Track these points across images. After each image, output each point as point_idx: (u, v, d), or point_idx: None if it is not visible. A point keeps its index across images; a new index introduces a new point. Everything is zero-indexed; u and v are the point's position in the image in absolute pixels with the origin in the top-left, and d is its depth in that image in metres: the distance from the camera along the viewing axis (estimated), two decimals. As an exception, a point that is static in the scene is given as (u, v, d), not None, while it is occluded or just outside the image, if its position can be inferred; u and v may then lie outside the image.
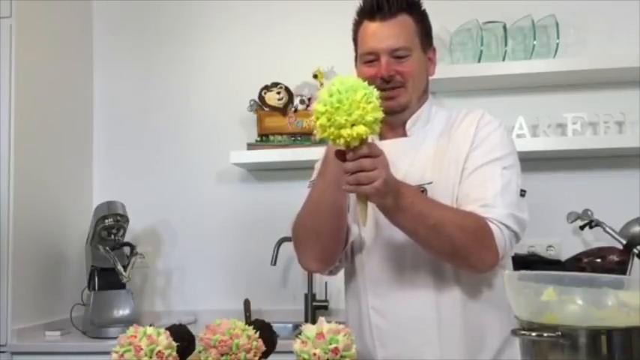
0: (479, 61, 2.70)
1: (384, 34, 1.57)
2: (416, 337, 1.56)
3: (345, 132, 1.29)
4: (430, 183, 1.55)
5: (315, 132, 1.33)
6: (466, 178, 1.54)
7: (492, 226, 1.48)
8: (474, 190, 1.52)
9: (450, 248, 1.46)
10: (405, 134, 1.63)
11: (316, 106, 1.30)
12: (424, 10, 1.64)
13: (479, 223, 1.47)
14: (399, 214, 1.43)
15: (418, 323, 1.56)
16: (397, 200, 1.40)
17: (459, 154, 1.56)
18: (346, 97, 1.28)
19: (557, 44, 2.66)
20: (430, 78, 1.68)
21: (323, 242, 1.59)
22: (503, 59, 2.69)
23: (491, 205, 1.49)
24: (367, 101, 1.29)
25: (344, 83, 1.30)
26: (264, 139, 2.84)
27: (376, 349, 1.59)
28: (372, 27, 1.58)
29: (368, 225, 1.49)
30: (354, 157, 1.33)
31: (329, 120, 1.28)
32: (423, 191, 1.55)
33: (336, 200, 1.53)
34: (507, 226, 1.49)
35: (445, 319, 1.55)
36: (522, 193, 1.55)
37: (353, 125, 1.29)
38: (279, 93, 2.83)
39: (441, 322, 1.55)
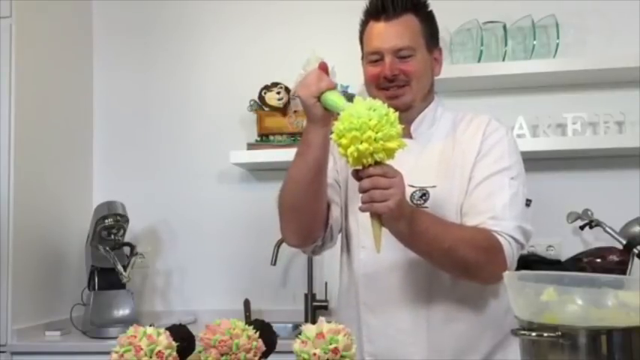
0: (479, 61, 2.70)
1: (389, 34, 1.57)
2: (404, 335, 1.56)
3: (394, 144, 1.29)
4: (434, 187, 1.56)
5: (350, 151, 1.29)
6: (474, 189, 1.55)
7: (501, 239, 1.49)
8: (482, 202, 1.53)
9: (463, 267, 1.48)
10: (409, 134, 1.61)
11: (362, 121, 1.27)
12: (430, 11, 1.64)
13: (490, 240, 1.48)
14: (414, 239, 1.45)
15: (407, 322, 1.56)
16: (412, 225, 1.41)
17: (465, 162, 1.57)
18: (389, 110, 1.29)
19: (557, 44, 2.66)
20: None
21: (301, 219, 1.63)
22: (503, 59, 2.69)
23: (500, 217, 1.50)
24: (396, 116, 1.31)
25: (374, 101, 1.30)
26: (264, 139, 2.84)
27: (363, 345, 1.60)
28: (377, 27, 1.59)
29: (365, 222, 1.48)
30: (370, 174, 1.33)
31: (377, 132, 1.27)
32: (425, 194, 1.55)
33: (314, 180, 1.56)
34: (515, 239, 1.51)
35: (436, 319, 1.56)
36: (528, 202, 1.56)
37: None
38: (279, 93, 2.83)
39: (430, 323, 1.55)
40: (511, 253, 1.50)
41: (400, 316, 1.57)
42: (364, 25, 1.64)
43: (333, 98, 1.44)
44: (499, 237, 1.49)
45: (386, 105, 1.31)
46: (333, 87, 1.47)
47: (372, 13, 1.60)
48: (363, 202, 1.35)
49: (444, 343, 1.55)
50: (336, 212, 1.67)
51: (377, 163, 1.32)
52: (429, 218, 1.47)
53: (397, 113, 1.31)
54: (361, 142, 1.28)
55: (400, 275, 1.57)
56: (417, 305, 1.56)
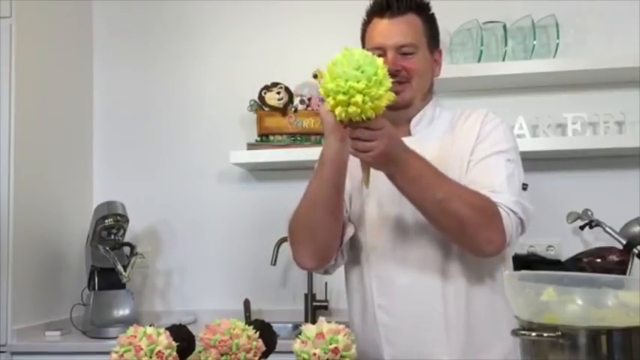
0: (479, 61, 2.70)
1: (392, 30, 1.60)
2: (422, 333, 1.56)
3: (384, 101, 1.32)
4: None
5: (338, 112, 1.33)
6: (472, 169, 1.56)
7: (500, 210, 1.48)
8: (480, 178, 1.53)
9: (457, 225, 1.46)
10: (408, 132, 1.63)
11: (350, 84, 1.29)
12: (433, 14, 1.67)
13: (488, 202, 1.47)
14: (406, 184, 1.45)
15: (424, 320, 1.56)
16: (403, 171, 1.43)
17: (464, 149, 1.58)
18: (377, 68, 1.31)
19: (557, 44, 2.66)
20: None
21: (318, 239, 1.58)
22: (503, 59, 2.69)
23: (498, 191, 1.50)
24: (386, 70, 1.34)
25: (362, 58, 1.32)
26: (264, 139, 2.84)
27: (383, 347, 1.60)
28: (380, 24, 1.62)
29: (374, 222, 1.52)
30: (354, 126, 1.37)
31: (365, 96, 1.30)
32: None
33: (331, 199, 1.53)
34: (514, 212, 1.49)
35: (452, 316, 1.55)
36: (524, 187, 1.56)
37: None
38: (279, 93, 2.83)
39: (447, 320, 1.55)
40: (510, 225, 1.48)
41: (416, 315, 1.57)
42: (367, 23, 1.66)
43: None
44: (498, 207, 1.48)
45: (374, 57, 1.33)
46: None
47: (376, 11, 1.63)
48: (351, 147, 1.41)
49: (461, 340, 1.55)
50: (350, 231, 1.64)
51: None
52: (425, 167, 1.46)
53: (387, 67, 1.34)
54: (349, 105, 1.31)
55: (412, 274, 1.57)
56: (433, 302, 1.56)
